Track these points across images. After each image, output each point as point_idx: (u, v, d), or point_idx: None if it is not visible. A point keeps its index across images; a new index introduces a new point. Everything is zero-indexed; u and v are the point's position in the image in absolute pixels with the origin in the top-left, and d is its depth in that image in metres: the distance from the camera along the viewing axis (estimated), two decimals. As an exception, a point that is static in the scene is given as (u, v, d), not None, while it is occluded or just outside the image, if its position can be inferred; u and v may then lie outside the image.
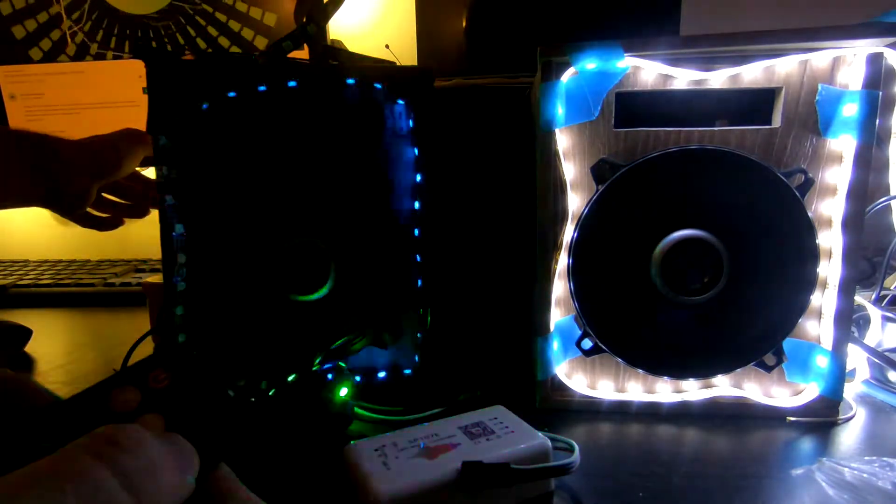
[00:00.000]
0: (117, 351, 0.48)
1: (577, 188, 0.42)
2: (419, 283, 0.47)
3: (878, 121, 0.38)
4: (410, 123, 0.45)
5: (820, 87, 0.39)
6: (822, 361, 0.41)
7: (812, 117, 0.39)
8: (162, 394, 0.19)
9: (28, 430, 0.17)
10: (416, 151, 0.45)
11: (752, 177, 0.39)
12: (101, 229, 0.56)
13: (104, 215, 0.56)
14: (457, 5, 0.79)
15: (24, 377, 0.19)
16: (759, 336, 0.41)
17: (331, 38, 0.81)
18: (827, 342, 0.41)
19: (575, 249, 0.41)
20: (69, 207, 0.50)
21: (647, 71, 0.40)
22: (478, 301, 0.57)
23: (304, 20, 0.44)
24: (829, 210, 0.40)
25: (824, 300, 0.41)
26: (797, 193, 0.39)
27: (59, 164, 0.46)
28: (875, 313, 0.49)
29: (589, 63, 0.39)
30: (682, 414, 0.42)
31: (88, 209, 0.52)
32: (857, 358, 0.46)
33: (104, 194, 0.54)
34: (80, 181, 0.48)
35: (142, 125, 0.45)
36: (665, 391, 0.43)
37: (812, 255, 0.40)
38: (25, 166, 0.45)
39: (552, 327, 0.43)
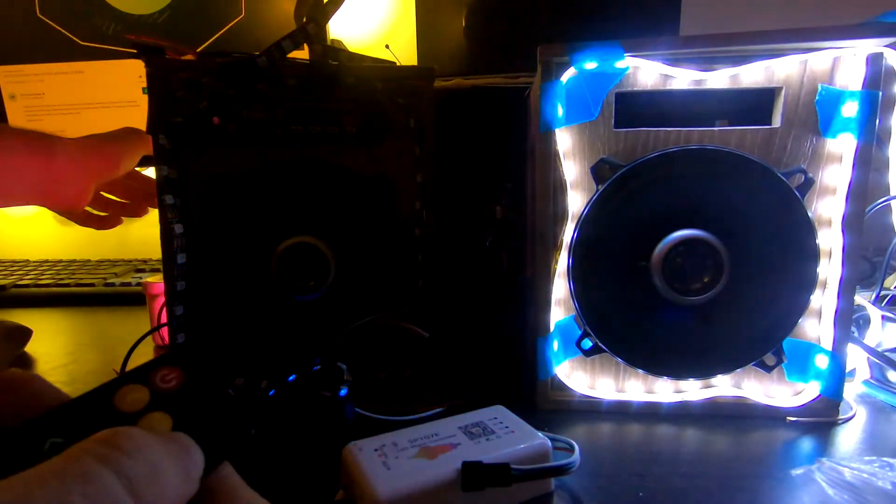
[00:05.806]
0: (117, 351, 0.48)
1: (577, 188, 0.42)
2: (420, 283, 0.47)
3: (878, 121, 0.38)
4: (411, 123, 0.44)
5: (820, 87, 0.39)
6: (822, 361, 0.41)
7: (812, 117, 0.39)
8: (170, 393, 0.19)
9: (34, 429, 0.17)
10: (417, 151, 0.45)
11: (752, 177, 0.39)
12: (100, 228, 0.56)
13: (103, 214, 0.56)
14: (457, 5, 0.79)
15: (34, 376, 0.19)
16: (759, 336, 0.41)
17: (331, 38, 0.81)
18: (827, 342, 0.41)
19: (575, 249, 0.41)
20: (68, 206, 0.50)
21: (647, 71, 0.40)
22: (478, 301, 0.57)
23: (304, 20, 0.44)
24: (829, 210, 0.40)
25: (824, 300, 0.41)
26: (797, 193, 0.39)
27: (58, 163, 0.46)
28: (875, 313, 0.49)
29: (589, 63, 0.39)
30: (682, 414, 0.42)
31: (87, 208, 0.52)
32: (857, 358, 0.46)
33: (103, 193, 0.54)
34: (78, 180, 0.48)
35: (142, 125, 0.45)
36: (665, 391, 0.43)
37: (812, 255, 0.40)
38: (24, 164, 0.45)
39: (552, 327, 0.43)
